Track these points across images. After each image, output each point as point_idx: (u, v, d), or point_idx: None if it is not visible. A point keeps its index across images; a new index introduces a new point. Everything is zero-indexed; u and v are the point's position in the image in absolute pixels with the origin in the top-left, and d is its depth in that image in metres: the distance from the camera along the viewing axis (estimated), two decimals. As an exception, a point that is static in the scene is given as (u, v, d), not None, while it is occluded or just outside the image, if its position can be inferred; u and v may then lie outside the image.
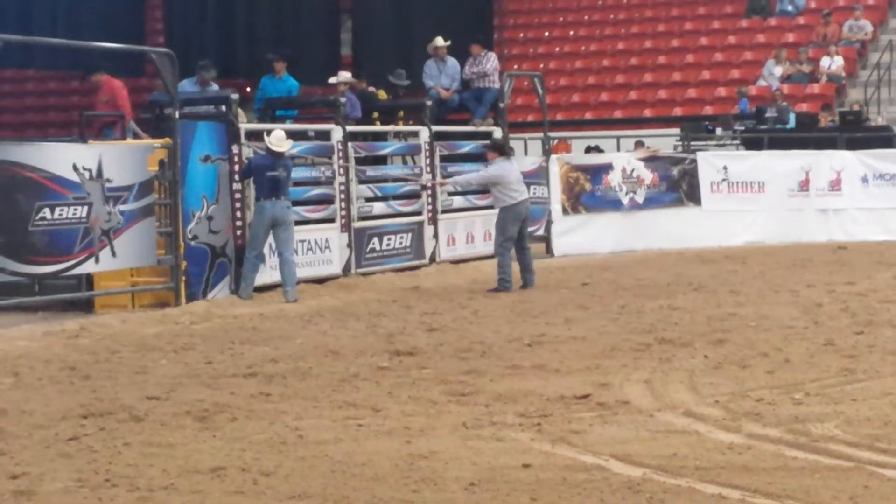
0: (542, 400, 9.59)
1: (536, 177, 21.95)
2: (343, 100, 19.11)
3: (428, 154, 20.16)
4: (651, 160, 23.93)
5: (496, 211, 17.79)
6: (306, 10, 29.66)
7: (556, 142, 25.83)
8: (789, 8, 32.99)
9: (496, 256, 17.53)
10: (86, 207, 14.84)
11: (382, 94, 21.98)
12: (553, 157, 22.92)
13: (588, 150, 26.85)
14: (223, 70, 26.37)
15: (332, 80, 21.17)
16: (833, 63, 30.25)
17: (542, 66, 32.60)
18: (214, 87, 20.28)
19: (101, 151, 15.26)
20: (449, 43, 22.19)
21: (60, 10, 29.23)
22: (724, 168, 24.22)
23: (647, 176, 23.64)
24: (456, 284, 18.06)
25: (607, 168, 23.43)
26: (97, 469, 7.74)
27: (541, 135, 23.18)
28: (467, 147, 21.37)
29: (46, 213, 14.43)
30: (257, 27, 29.14)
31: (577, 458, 7.84)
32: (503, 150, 17.87)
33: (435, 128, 20.49)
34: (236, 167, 16.74)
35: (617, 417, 8.98)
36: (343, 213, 18.46)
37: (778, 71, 30.54)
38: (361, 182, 19.02)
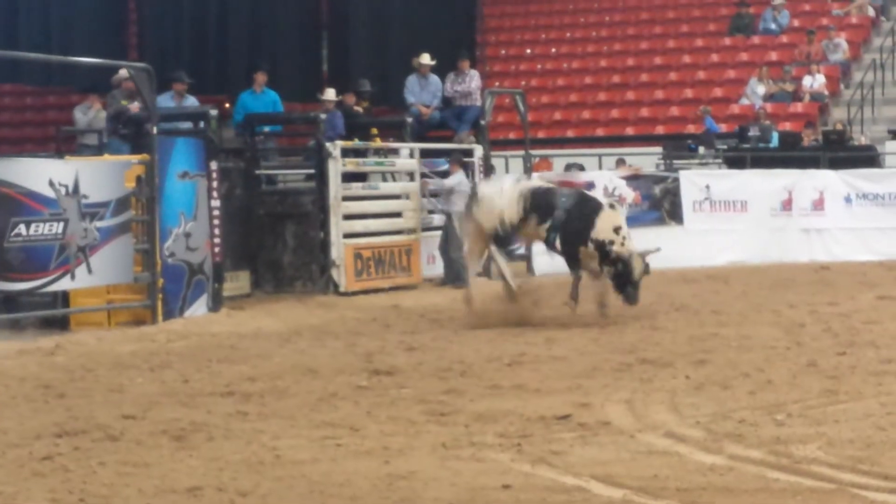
0: (522, 420, 9.53)
1: (518, 195, 21.89)
2: (323, 116, 19.04)
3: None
4: (633, 179, 23.92)
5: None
6: (285, 26, 29.56)
7: (537, 159, 25.77)
8: (772, 26, 33.03)
9: None
10: (62, 224, 14.74)
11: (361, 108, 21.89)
12: (534, 174, 22.87)
13: (569, 167, 26.79)
14: (199, 86, 26.22)
15: (321, 96, 21.07)
16: (816, 82, 30.29)
17: (523, 83, 32.50)
18: (192, 100, 20.05)
19: (78, 167, 15.18)
20: (435, 62, 22.15)
21: (53, 27, 29.09)
22: (707, 187, 24.23)
23: (629, 194, 23.62)
24: (436, 303, 17.99)
25: (589, 186, 23.35)
26: (72, 489, 7.67)
27: (522, 153, 23.13)
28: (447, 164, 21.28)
29: (22, 229, 14.33)
30: (234, 44, 28.98)
31: (557, 479, 7.78)
32: None
33: (415, 145, 20.42)
34: (214, 183, 16.63)
35: (598, 438, 8.92)
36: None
37: (761, 89, 30.54)
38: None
